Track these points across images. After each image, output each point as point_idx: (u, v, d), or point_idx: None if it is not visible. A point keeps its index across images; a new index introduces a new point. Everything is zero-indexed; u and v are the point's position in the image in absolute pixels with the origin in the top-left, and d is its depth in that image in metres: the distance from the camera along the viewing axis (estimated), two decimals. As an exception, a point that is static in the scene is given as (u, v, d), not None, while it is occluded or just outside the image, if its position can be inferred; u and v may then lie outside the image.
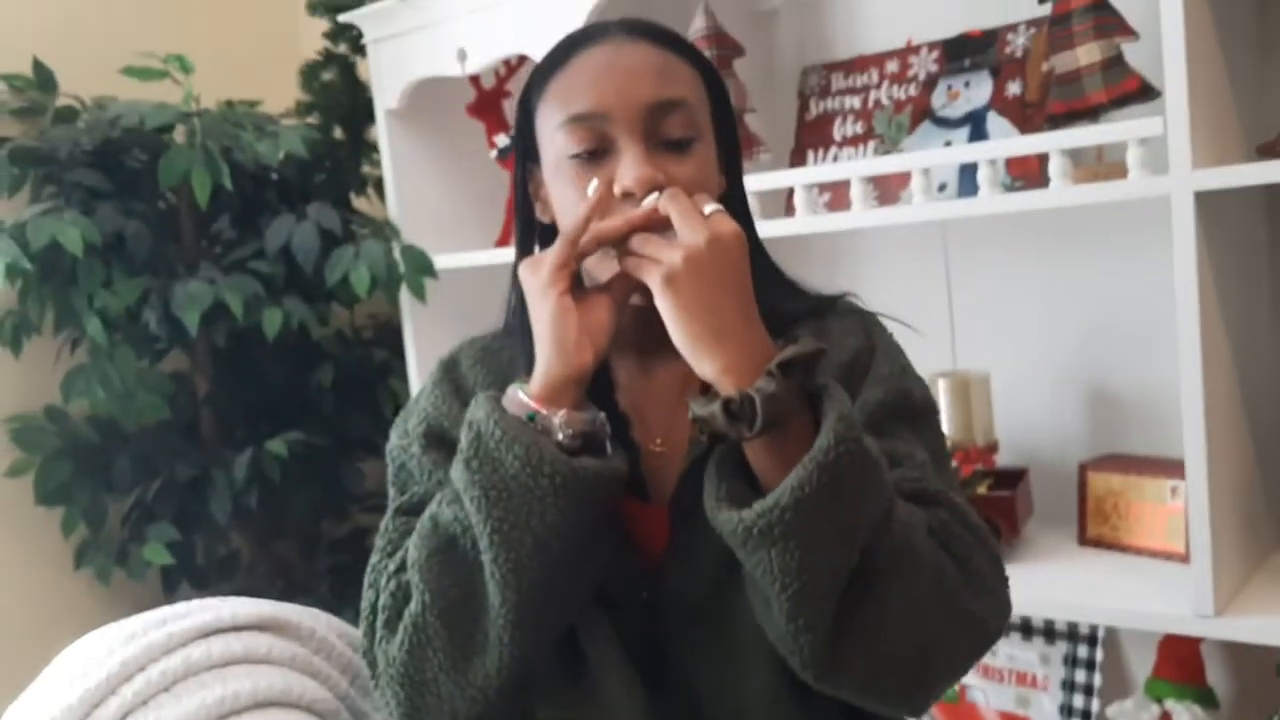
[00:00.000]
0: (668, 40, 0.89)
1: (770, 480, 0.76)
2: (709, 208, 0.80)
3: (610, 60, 0.86)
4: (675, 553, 0.87)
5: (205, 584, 2.20)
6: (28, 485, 2.13)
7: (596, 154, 0.86)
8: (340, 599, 2.32)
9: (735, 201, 0.94)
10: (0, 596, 2.15)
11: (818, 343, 0.77)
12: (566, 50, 0.89)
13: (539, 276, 0.82)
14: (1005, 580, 0.87)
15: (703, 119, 0.89)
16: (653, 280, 0.78)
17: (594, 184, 0.83)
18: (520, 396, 0.82)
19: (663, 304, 0.77)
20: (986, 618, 0.82)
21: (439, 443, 0.93)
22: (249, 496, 2.05)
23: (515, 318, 0.97)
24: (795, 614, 0.74)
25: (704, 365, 0.77)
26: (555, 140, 0.87)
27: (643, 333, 0.90)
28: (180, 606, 1.12)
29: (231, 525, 2.11)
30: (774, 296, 0.94)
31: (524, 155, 0.94)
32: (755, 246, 0.95)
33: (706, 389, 0.79)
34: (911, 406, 0.91)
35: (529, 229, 0.96)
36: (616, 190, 0.84)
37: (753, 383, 0.74)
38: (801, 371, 0.76)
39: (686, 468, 0.87)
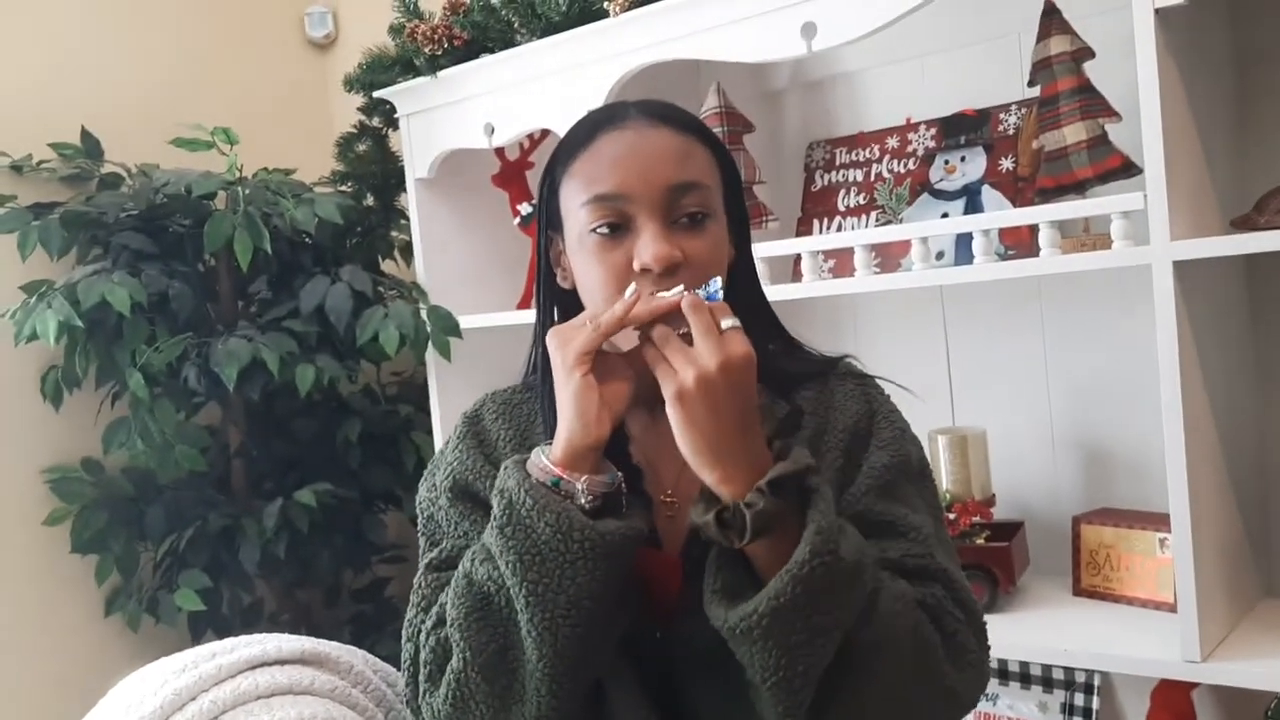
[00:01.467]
0: (685, 125, 0.95)
1: (765, 570, 0.83)
2: (727, 323, 0.85)
3: (632, 144, 0.92)
4: (688, 599, 0.91)
5: (230, 632, 2.24)
6: (64, 534, 2.22)
7: (617, 231, 0.91)
8: (360, 646, 2.38)
9: (744, 269, 1.03)
10: (33, 642, 2.22)
11: (807, 458, 0.85)
12: (591, 131, 0.94)
13: (566, 355, 0.87)
14: (987, 649, 0.94)
15: (715, 198, 0.95)
16: (666, 391, 0.84)
17: (632, 288, 0.89)
18: (544, 462, 0.87)
19: (672, 415, 0.84)
20: (963, 691, 0.90)
21: (465, 495, 0.99)
22: (277, 546, 2.13)
23: (536, 375, 1.04)
24: (776, 701, 0.82)
25: (704, 474, 0.84)
26: (579, 216, 0.93)
27: (655, 391, 0.97)
28: (228, 641, 1.19)
29: (258, 574, 2.19)
30: (778, 358, 1.03)
31: (546, 224, 1.01)
32: (762, 309, 1.05)
33: None
34: (912, 467, 0.98)
35: (550, 294, 1.03)
36: (636, 266, 0.90)
37: (747, 492, 0.82)
38: (791, 486, 0.83)
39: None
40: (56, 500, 2.22)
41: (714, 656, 0.92)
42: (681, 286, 0.87)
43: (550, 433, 0.94)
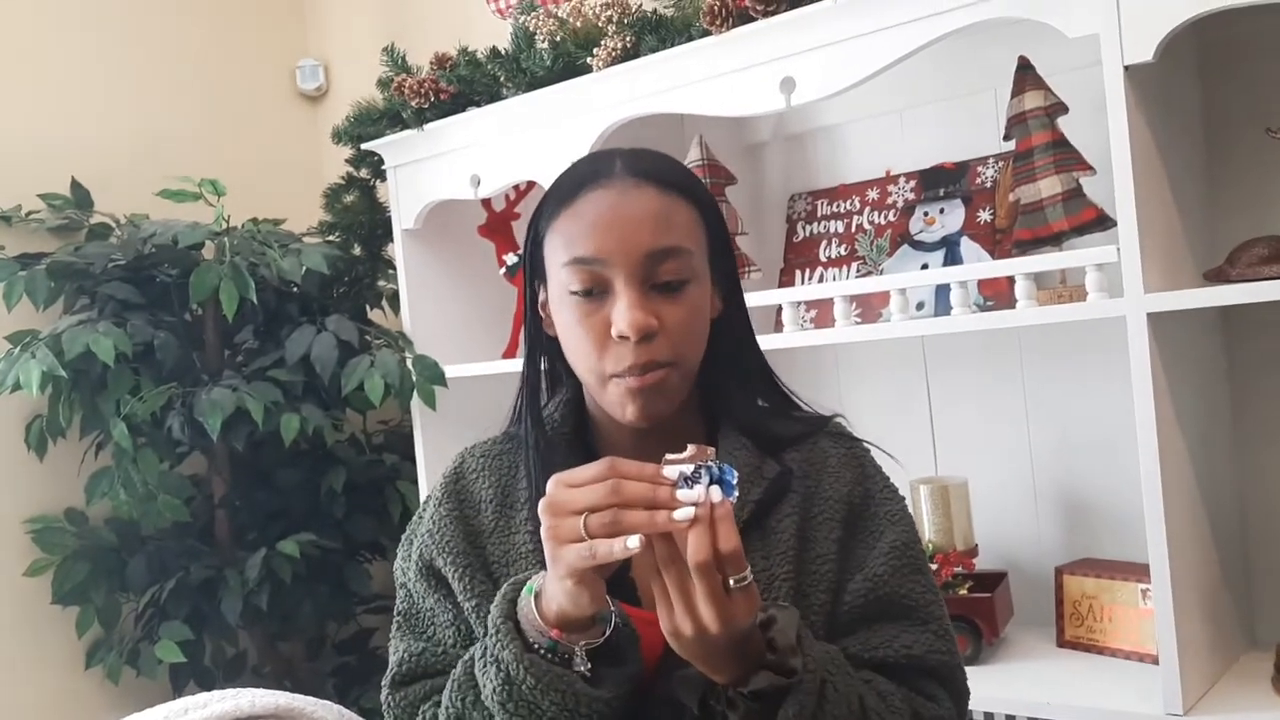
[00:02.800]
0: (670, 183, 0.94)
1: None
2: (736, 580, 0.78)
3: (614, 206, 0.91)
4: (670, 657, 0.88)
5: (212, 685, 2.24)
6: (45, 585, 2.20)
7: (595, 294, 0.92)
8: (344, 699, 2.36)
9: (736, 322, 1.02)
10: (11, 695, 2.19)
11: (793, 658, 0.82)
12: (576, 187, 0.94)
13: (556, 559, 0.80)
14: None
15: (698, 261, 0.94)
16: (663, 622, 0.80)
17: (635, 540, 0.77)
18: (539, 622, 0.84)
19: (666, 635, 0.81)
20: None
21: (430, 572, 1.01)
22: (259, 597, 2.11)
23: (518, 425, 1.03)
24: None
25: (697, 665, 0.83)
26: (560, 274, 0.93)
27: (641, 446, 0.96)
28: (201, 696, 1.18)
29: (240, 625, 2.17)
30: (768, 416, 1.03)
31: (533, 274, 1.01)
32: (755, 365, 1.04)
33: None
34: (919, 542, 1.00)
35: (537, 340, 1.03)
36: (614, 333, 0.90)
37: (734, 681, 0.82)
38: (771, 695, 0.82)
39: None
40: (38, 551, 2.21)
41: (697, 715, 0.90)
42: (690, 511, 0.77)
43: (535, 491, 0.94)
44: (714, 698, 0.84)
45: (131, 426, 2.02)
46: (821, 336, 1.69)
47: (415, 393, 2.11)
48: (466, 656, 0.92)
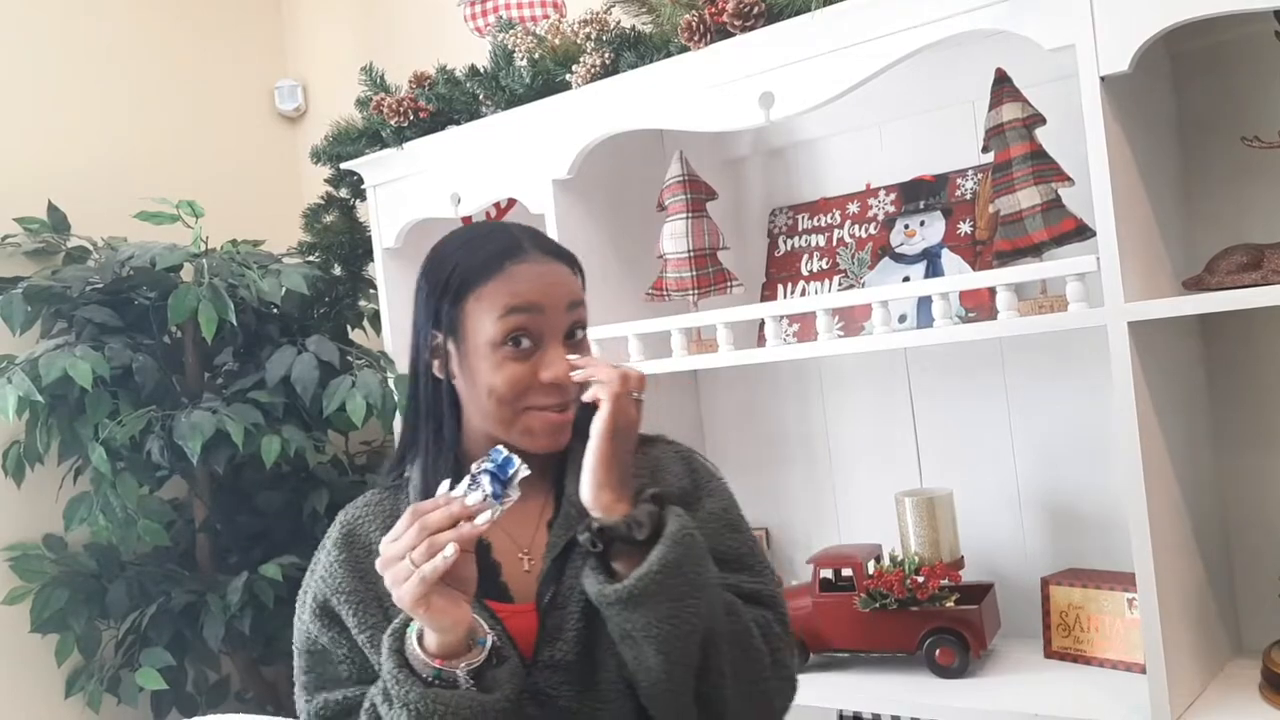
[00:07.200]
0: (567, 258, 1.15)
1: (626, 574, 1.01)
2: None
3: (541, 275, 1.10)
4: (546, 636, 1.07)
5: (194, 711, 2.21)
6: (23, 613, 2.17)
7: (525, 346, 1.07)
8: (329, 724, 2.33)
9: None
10: (-11, 726, 2.16)
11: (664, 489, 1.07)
12: (499, 260, 1.09)
13: (400, 597, 0.94)
14: (795, 664, 1.15)
15: None
16: (603, 399, 1.03)
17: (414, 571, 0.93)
18: (423, 657, 0.96)
19: (600, 439, 1.02)
20: (777, 698, 1.11)
21: (325, 611, 1.11)
22: (242, 621, 2.09)
23: (399, 475, 1.17)
24: (667, 650, 0.98)
25: (605, 499, 1.02)
26: (492, 329, 1.07)
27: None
28: (185, 724, 1.17)
29: (223, 650, 2.14)
30: None
31: (447, 331, 1.10)
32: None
33: (556, 514, 1.10)
34: (737, 510, 1.19)
35: (428, 383, 1.13)
36: (546, 377, 1.07)
37: (627, 512, 1.02)
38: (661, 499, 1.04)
39: (545, 570, 1.09)
40: (16, 578, 2.18)
41: (573, 674, 1.06)
42: (482, 494, 0.96)
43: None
44: (597, 535, 1.01)
45: (110, 451, 2.00)
46: (804, 350, 1.69)
47: (397, 413, 2.10)
48: (367, 704, 1.01)
